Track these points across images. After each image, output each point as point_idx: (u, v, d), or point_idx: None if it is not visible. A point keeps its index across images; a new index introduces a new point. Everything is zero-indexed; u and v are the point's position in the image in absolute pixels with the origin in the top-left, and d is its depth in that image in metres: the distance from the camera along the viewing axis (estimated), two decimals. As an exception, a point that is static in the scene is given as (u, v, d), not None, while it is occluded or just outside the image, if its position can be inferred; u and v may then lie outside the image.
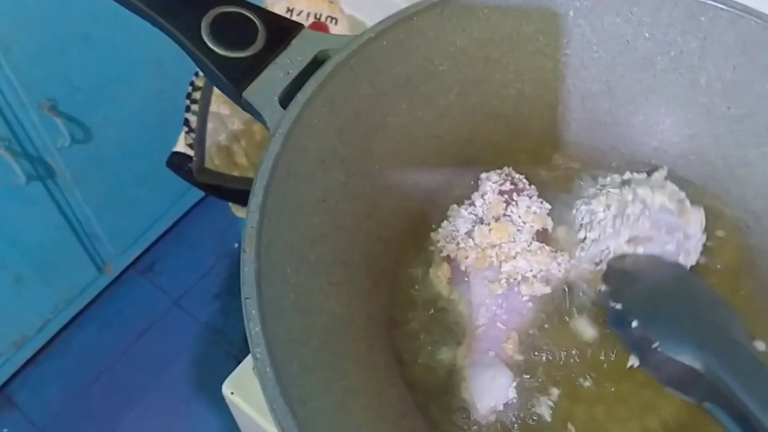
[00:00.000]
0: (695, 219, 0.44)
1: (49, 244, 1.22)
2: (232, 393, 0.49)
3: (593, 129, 0.49)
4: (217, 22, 0.40)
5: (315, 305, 0.38)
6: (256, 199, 0.36)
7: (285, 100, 0.39)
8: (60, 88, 1.05)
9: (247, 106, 0.40)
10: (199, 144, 0.78)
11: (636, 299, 0.41)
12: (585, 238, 0.44)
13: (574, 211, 0.45)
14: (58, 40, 0.99)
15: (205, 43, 0.40)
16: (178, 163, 0.81)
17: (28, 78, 0.99)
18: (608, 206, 0.43)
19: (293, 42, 0.41)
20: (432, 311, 0.43)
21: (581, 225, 0.44)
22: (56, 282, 1.30)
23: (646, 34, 0.46)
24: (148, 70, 1.13)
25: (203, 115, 0.78)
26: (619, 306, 0.41)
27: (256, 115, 0.39)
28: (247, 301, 0.33)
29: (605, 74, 0.47)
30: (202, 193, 1.47)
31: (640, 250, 0.43)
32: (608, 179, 0.46)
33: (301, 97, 0.39)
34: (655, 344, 0.38)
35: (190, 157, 0.80)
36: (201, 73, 0.81)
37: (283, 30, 0.41)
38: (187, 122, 0.81)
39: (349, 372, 0.38)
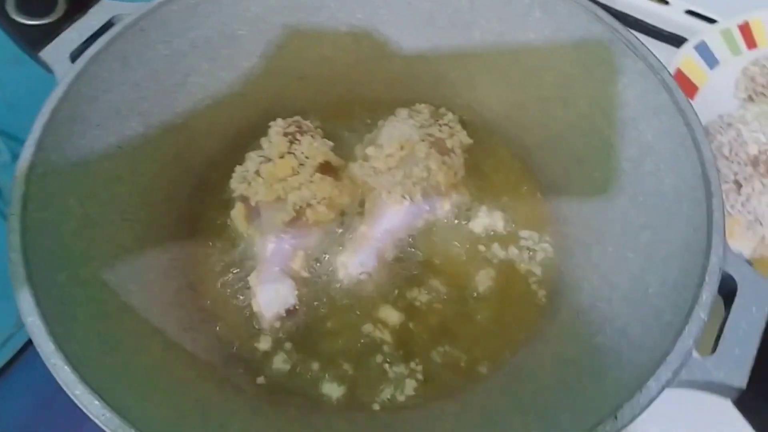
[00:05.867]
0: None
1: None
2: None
3: (389, 83, 0.54)
4: (21, -6, 0.46)
5: (102, 235, 0.43)
6: (33, 135, 0.41)
7: (77, 58, 0.45)
8: None
9: (44, 67, 0.45)
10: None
11: None
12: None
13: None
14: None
15: (8, 15, 0.46)
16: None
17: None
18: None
19: (91, 9, 0.47)
20: (231, 246, 0.48)
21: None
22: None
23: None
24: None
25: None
26: None
27: (50, 72, 0.45)
28: (12, 216, 0.38)
29: (395, 35, 0.52)
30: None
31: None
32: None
33: (88, 52, 0.44)
34: None
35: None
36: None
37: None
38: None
39: (131, 292, 0.43)
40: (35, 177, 0.40)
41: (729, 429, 0.36)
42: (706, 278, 0.35)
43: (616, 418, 0.32)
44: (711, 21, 0.60)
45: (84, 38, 0.46)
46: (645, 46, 0.44)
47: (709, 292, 0.35)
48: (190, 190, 0.49)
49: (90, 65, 0.44)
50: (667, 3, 0.62)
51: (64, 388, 0.34)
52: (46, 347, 0.35)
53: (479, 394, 0.42)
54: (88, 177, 0.44)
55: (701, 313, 0.34)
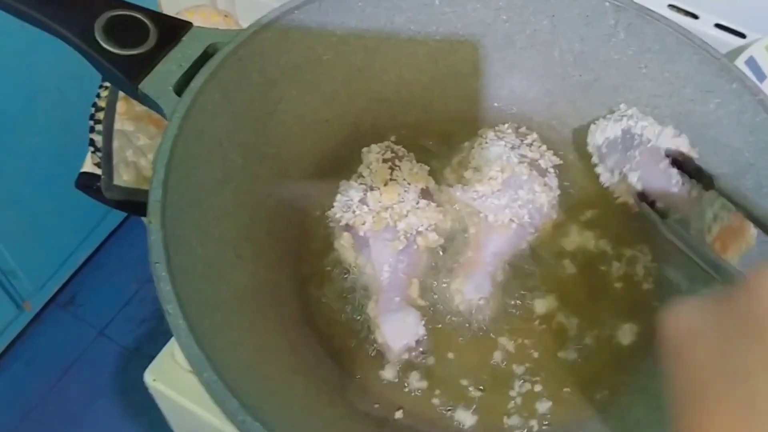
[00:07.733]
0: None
1: (-36, 286, 1.20)
2: (154, 380, 0.51)
3: (465, 103, 0.54)
4: (109, 24, 0.44)
5: (223, 276, 0.42)
6: (158, 176, 0.39)
7: (179, 90, 0.43)
8: (-42, 126, 1.04)
9: (143, 99, 0.43)
10: (106, 162, 0.80)
11: None
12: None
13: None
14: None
15: (99, 44, 0.43)
16: (86, 182, 0.82)
17: None
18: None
19: (184, 38, 0.45)
20: (339, 277, 0.47)
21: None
22: (-25, 323, 1.27)
23: (504, 17, 0.51)
24: (48, 99, 1.13)
25: (108, 134, 0.80)
26: None
27: (153, 105, 0.43)
28: (156, 265, 0.36)
29: (472, 55, 0.53)
30: (119, 220, 1.47)
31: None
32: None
33: (194, 84, 0.42)
34: None
35: (98, 176, 0.81)
36: (102, 94, 0.82)
37: (173, 28, 0.45)
38: (92, 142, 0.82)
39: (260, 332, 0.42)
40: (168, 220, 0.38)
41: None
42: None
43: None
44: (739, 34, 0.64)
45: (184, 69, 0.43)
46: (737, 68, 0.46)
47: None
48: (288, 221, 0.48)
49: (197, 98, 0.42)
50: (696, 17, 0.65)
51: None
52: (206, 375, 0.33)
53: (621, 407, 0.43)
54: (201, 216, 0.42)
55: None
